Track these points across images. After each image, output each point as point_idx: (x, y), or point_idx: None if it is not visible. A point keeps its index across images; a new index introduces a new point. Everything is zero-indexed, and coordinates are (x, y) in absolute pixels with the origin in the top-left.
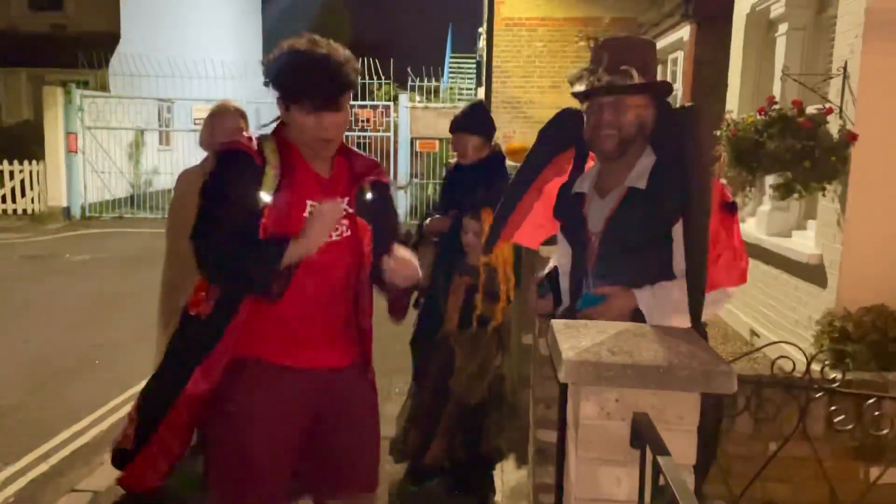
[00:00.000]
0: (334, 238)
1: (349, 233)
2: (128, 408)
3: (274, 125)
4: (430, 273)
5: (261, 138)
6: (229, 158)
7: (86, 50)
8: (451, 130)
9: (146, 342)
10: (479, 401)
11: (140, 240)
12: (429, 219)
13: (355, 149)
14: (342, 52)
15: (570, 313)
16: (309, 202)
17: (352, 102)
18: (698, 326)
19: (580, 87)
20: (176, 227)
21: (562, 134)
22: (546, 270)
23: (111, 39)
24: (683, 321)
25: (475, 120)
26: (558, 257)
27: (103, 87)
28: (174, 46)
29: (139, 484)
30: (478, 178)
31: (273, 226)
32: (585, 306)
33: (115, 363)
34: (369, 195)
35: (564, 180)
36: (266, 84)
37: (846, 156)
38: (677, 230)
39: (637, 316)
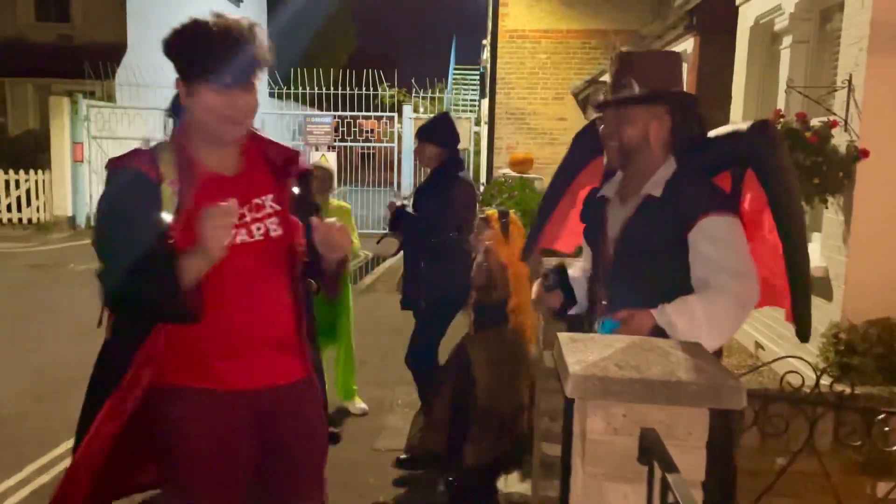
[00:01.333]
0: (256, 238)
1: (280, 231)
2: None
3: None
4: (406, 283)
5: (156, 148)
6: (119, 179)
7: (92, 60)
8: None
9: None
10: (516, 407)
11: None
12: (380, 240)
13: (264, 135)
14: (251, 26)
15: (587, 328)
16: None
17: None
18: (805, 335)
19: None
20: None
21: (595, 140)
22: (554, 264)
23: (118, 50)
24: (711, 337)
25: (428, 130)
26: (583, 261)
27: (110, 97)
28: None
29: None
30: (431, 184)
31: (185, 247)
32: (605, 333)
33: None
34: (296, 189)
35: (597, 185)
36: (177, 63)
37: (852, 169)
38: (692, 237)
39: (656, 334)
